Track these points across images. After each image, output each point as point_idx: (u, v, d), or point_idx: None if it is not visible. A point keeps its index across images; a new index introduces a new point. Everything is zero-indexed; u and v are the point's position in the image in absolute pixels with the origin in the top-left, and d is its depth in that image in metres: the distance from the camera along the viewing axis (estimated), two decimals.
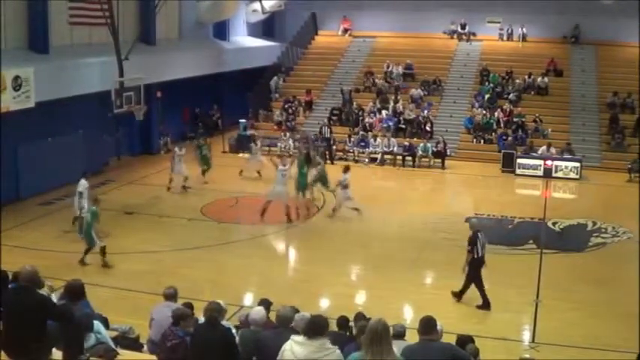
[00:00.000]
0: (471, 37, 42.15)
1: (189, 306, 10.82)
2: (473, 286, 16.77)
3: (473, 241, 16.63)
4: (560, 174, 31.26)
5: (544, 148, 32.31)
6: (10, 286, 9.15)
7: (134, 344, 10.56)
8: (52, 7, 25.97)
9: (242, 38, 42.16)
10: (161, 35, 33.27)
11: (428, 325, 8.00)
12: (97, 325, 9.34)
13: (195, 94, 36.52)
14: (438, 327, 8.31)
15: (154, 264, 19.41)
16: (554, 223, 24.11)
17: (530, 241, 22.17)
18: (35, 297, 7.80)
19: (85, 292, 10.04)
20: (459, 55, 41.39)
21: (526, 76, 38.09)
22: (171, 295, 11.12)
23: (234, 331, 9.73)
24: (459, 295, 17.03)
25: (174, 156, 27.01)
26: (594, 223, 23.97)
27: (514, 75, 38.32)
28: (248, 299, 16.67)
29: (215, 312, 8.82)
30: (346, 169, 24.42)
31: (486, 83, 38.20)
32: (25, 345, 7.50)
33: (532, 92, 37.55)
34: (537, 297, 17.36)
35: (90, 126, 27.80)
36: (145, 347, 10.49)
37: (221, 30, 39.59)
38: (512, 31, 41.57)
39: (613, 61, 38.27)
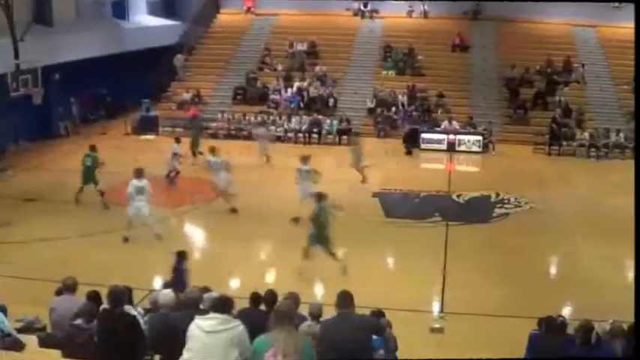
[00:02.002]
0: (374, 15, 42.34)
1: (96, 293, 10.49)
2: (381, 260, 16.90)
3: None
4: (463, 147, 31.86)
5: (446, 122, 32.83)
6: None
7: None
8: None
9: (142, 17, 41.44)
10: (58, 15, 32.33)
11: (345, 299, 8.10)
12: (0, 316, 9.06)
13: (96, 75, 35.72)
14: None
15: (58, 251, 18.95)
16: (458, 196, 24.57)
17: (436, 214, 22.53)
18: None
19: None
20: (361, 32, 41.52)
21: None
22: (70, 286, 10.77)
23: (137, 314, 9.56)
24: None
25: None
26: (497, 195, 24.52)
27: (416, 51, 38.66)
28: (156, 283, 16.44)
29: (117, 297, 8.64)
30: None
31: (389, 60, 38.49)
32: None
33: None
34: (444, 268, 17.65)
35: None
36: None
37: (120, 9, 38.83)
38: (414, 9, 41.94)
39: (513, 36, 39.03)
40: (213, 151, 23.22)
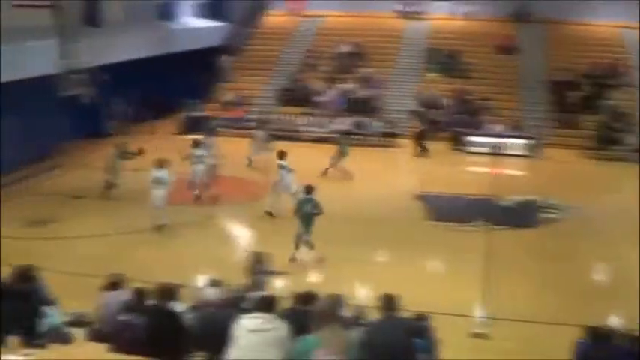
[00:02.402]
0: (419, 17, 42.23)
1: (143, 290, 10.68)
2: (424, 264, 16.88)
3: None
4: (509, 151, 31.62)
5: (492, 126, 32.65)
6: None
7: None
8: None
9: (189, 19, 41.81)
10: (107, 17, 32.80)
11: (388, 302, 8.14)
12: (50, 309, 9.25)
13: (144, 76, 36.07)
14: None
15: (106, 247, 19.26)
16: (503, 200, 24.36)
17: (480, 218, 22.37)
18: None
19: (37, 276, 9.93)
20: (407, 34, 41.46)
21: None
22: (118, 282, 10.97)
23: (183, 310, 9.71)
24: None
25: None
26: (543, 200, 24.26)
27: (462, 54, 38.48)
28: (200, 280, 16.58)
29: (165, 294, 8.79)
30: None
31: (434, 62, 38.36)
32: None
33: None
34: (488, 272, 17.57)
35: (36, 110, 27.32)
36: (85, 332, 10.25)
37: (168, 11, 39.24)
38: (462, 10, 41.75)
39: (561, 39, 38.66)
40: (282, 155, 22.96)
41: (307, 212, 18.44)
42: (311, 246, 18.48)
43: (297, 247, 18.62)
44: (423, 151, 31.58)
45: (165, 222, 20.89)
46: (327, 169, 27.18)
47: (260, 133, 29.48)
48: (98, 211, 22.83)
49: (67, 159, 29.00)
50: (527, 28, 40.22)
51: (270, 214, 22.31)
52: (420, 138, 31.92)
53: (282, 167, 22.36)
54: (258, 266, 14.14)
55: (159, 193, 20.62)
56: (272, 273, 14.65)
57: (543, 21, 39.85)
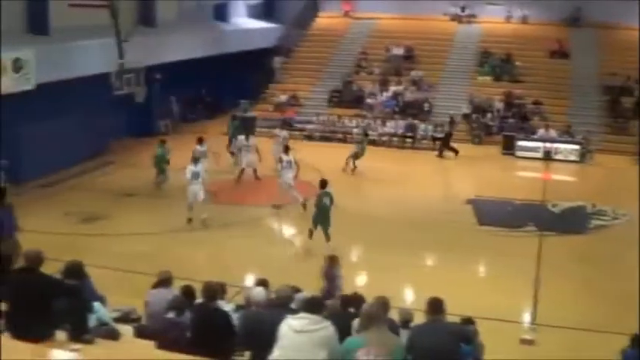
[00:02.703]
0: (471, 20, 42.04)
1: (191, 288, 10.76)
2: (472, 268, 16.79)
3: None
4: (560, 156, 31.31)
5: (543, 130, 32.34)
6: None
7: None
8: None
9: (242, 20, 42.06)
10: (161, 17, 33.17)
11: (435, 306, 8.10)
12: (98, 305, 9.38)
13: (196, 76, 36.41)
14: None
15: (155, 245, 19.48)
16: (554, 206, 24.14)
17: (530, 223, 22.20)
18: (39, 277, 7.85)
19: (86, 272, 10.08)
20: (458, 37, 41.24)
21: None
22: (166, 280, 11.09)
23: (230, 309, 9.79)
24: None
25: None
26: (594, 206, 23.97)
27: (514, 57, 38.18)
28: (248, 280, 16.69)
29: (212, 292, 8.87)
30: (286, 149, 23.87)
31: (486, 66, 38.14)
32: (30, 325, 7.55)
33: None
34: (537, 279, 17.42)
35: (90, 108, 27.75)
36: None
37: (221, 12, 39.53)
38: (515, 14, 41.42)
39: (613, 43, 38.08)
40: (286, 150, 23.89)
41: (326, 205, 19.11)
42: (329, 238, 18.94)
43: (310, 236, 19.46)
44: (441, 155, 31.70)
45: (205, 216, 21.29)
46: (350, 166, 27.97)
47: (284, 133, 29.56)
48: (148, 209, 23.13)
49: (119, 157, 29.38)
50: (580, 33, 39.69)
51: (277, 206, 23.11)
52: (446, 142, 31.78)
53: (282, 161, 23.31)
54: (333, 270, 14.10)
55: (195, 188, 21.15)
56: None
57: (596, 25, 39.28)
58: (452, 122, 32.66)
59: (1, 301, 8.12)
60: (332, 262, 14.35)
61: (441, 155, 31.63)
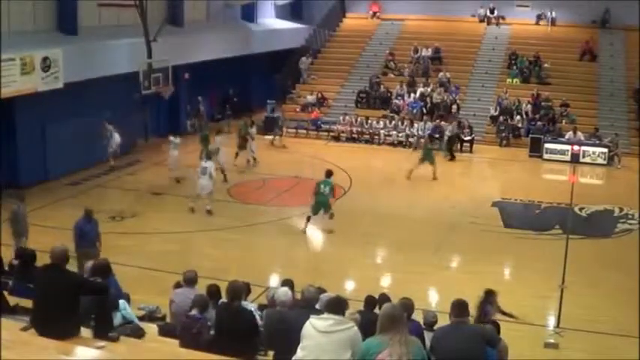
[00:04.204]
0: (500, 21, 41.85)
1: (216, 287, 10.79)
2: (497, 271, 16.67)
3: None
4: (587, 159, 31.06)
5: (570, 133, 32.13)
6: None
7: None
8: None
9: (270, 20, 42.19)
10: (189, 17, 33.36)
11: (460, 308, 8.08)
12: (123, 303, 9.45)
13: (223, 76, 36.55)
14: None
15: (181, 244, 19.60)
16: (580, 209, 23.99)
17: (557, 226, 22.09)
18: (65, 275, 7.92)
19: (112, 270, 10.16)
20: (487, 39, 41.06)
21: None
22: (190, 280, 11.14)
23: (254, 309, 9.83)
24: None
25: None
26: (621, 209, 23.80)
27: (542, 59, 37.96)
28: (273, 280, 16.74)
29: (236, 292, 8.91)
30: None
31: (514, 67, 37.97)
32: (55, 322, 7.62)
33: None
34: (563, 282, 17.32)
35: (118, 107, 27.93)
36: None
37: (249, 12, 39.65)
38: (545, 15, 41.18)
39: None
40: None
41: (324, 193, 20.34)
42: (331, 216, 20.56)
43: (307, 221, 20.73)
44: (452, 157, 31.30)
45: (209, 208, 22.15)
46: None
47: (177, 139, 29.48)
48: (174, 208, 23.23)
49: (146, 156, 29.54)
50: (609, 35, 39.45)
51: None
52: (451, 144, 31.60)
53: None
54: (487, 305, 12.92)
55: (204, 182, 22.02)
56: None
57: (625, 28, 38.94)
58: (460, 125, 32.54)
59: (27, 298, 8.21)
60: (489, 296, 13.43)
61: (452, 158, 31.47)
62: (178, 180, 25.71)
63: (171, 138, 26.42)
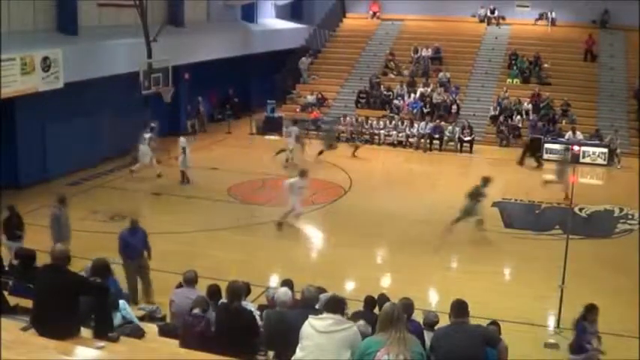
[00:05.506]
0: (500, 22, 41.85)
1: (216, 287, 10.78)
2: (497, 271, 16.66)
3: None
4: (587, 159, 31.04)
5: (570, 133, 32.11)
6: None
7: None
8: None
9: (270, 20, 42.21)
10: (189, 17, 33.37)
11: (460, 308, 8.09)
12: (123, 303, 9.45)
13: (223, 76, 36.56)
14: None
15: (181, 244, 19.57)
16: (580, 209, 23.98)
17: (557, 227, 22.08)
18: (65, 275, 7.92)
19: (112, 270, 10.16)
20: (487, 39, 41.08)
21: None
22: (190, 280, 11.15)
23: (253, 309, 9.82)
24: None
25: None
26: (621, 210, 23.82)
27: (542, 60, 37.94)
28: (273, 280, 16.73)
29: (236, 292, 8.91)
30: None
31: (514, 68, 37.96)
32: (55, 322, 7.62)
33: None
34: (562, 282, 17.29)
35: (118, 107, 27.94)
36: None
37: (249, 12, 39.67)
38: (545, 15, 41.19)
39: None
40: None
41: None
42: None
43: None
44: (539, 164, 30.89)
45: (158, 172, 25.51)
46: None
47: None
48: (174, 209, 23.22)
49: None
50: (609, 35, 39.46)
51: None
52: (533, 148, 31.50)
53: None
54: (584, 323, 12.71)
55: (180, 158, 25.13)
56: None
57: (624, 28, 38.95)
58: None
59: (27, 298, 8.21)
60: (588, 313, 12.96)
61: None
62: (160, 175, 26.29)
63: (182, 139, 26.52)
